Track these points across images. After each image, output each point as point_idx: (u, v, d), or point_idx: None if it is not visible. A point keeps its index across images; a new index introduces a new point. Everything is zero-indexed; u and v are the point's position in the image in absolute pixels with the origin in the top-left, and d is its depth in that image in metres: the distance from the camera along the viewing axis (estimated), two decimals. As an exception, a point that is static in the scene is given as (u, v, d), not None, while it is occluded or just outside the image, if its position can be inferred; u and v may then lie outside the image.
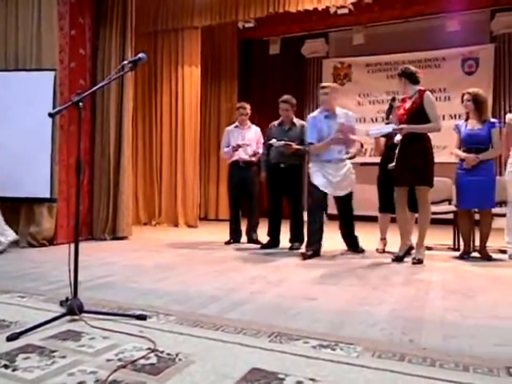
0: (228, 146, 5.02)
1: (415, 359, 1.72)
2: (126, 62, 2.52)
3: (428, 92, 3.82)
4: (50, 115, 2.08)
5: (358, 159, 7.76)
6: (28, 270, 3.40)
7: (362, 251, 4.39)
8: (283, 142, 4.48)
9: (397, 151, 3.93)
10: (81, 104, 2.19)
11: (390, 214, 4.42)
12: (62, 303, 2.32)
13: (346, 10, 6.86)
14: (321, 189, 4.14)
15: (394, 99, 4.38)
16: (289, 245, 4.65)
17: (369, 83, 8.11)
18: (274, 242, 4.72)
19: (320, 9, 6.05)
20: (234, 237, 5.02)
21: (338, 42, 8.43)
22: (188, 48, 6.90)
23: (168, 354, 1.73)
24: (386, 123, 4.31)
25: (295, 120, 4.73)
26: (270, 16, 6.36)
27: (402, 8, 7.10)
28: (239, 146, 4.92)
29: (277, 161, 4.61)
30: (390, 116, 4.33)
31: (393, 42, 7.66)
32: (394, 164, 3.98)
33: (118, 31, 5.48)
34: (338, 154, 4.20)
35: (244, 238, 5.05)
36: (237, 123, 5.12)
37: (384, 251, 4.42)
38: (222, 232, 5.49)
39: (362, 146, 4.56)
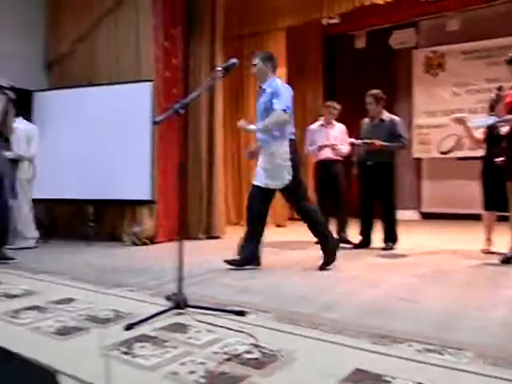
0: (311, 145, 4.99)
1: (535, 368, 1.58)
2: (219, 68, 2.63)
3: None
4: (155, 123, 2.24)
5: (456, 153, 7.36)
6: (134, 267, 3.69)
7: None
8: (362, 141, 4.43)
9: (504, 144, 3.61)
10: (182, 111, 2.33)
11: (495, 211, 4.08)
12: (167, 297, 2.47)
13: (438, -4, 6.48)
14: None
15: (500, 88, 4.01)
16: (381, 245, 4.50)
17: (465, 72, 7.56)
18: (366, 241, 4.60)
19: (409, -3, 5.80)
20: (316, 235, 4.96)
21: (429, 31, 7.97)
22: (273, 49, 6.92)
23: (270, 350, 1.77)
24: (490, 115, 3.95)
25: (386, 115, 4.57)
26: (355, 10, 6.21)
27: (502, -13, 6.54)
28: (325, 146, 4.87)
29: (365, 159, 4.51)
30: (496, 107, 3.96)
31: (494, 25, 7.04)
32: (501, 159, 3.66)
33: (208, 39, 5.71)
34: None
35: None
36: (322, 121, 5.07)
37: (490, 252, 4.09)
38: (308, 231, 5.47)
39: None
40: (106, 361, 1.59)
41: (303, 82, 8.05)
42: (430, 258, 4.00)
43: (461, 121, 4.12)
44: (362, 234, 4.63)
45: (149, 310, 2.30)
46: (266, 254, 4.32)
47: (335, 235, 4.91)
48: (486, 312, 2.31)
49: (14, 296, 2.71)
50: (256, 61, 3.57)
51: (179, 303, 2.24)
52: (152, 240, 5.06)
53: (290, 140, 3.49)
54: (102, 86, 5.36)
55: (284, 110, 3.36)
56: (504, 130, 3.67)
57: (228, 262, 3.48)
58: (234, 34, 7.04)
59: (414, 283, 3.03)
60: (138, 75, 5.19)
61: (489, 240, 4.17)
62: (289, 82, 7.28)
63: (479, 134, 4.13)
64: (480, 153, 4.26)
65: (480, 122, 3.89)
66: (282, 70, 6.92)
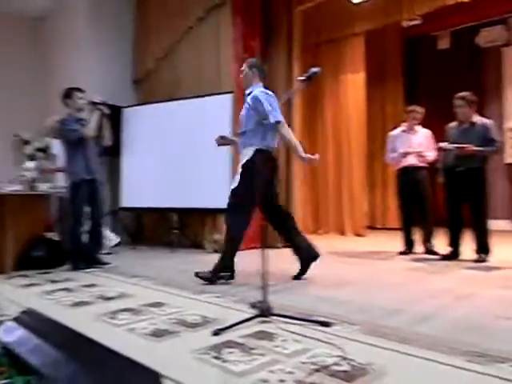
0: (393, 152, 4.82)
1: None
2: (301, 77, 2.64)
3: None
4: (240, 134, 2.29)
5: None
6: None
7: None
8: (454, 146, 4.15)
9: None
10: (265, 121, 2.37)
11: None
12: (252, 305, 2.51)
13: (531, -11, 5.98)
14: None
15: None
16: (471, 256, 4.21)
17: None
18: (455, 253, 4.33)
19: (499, -8, 5.41)
20: (408, 247, 4.76)
21: (521, 26, 7.38)
22: (351, 56, 6.89)
23: (359, 363, 1.73)
24: None
25: (476, 118, 4.29)
26: (438, 9, 5.93)
27: None
28: (408, 154, 4.68)
29: (453, 164, 4.26)
30: None
31: None
32: None
33: (285, 48, 5.76)
34: None
35: (419, 248, 4.75)
36: (404, 127, 4.88)
37: None
38: (392, 241, 5.28)
39: None
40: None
41: (382, 87, 7.84)
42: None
43: None
44: (451, 244, 4.36)
45: (234, 316, 2.36)
46: (347, 264, 4.24)
47: (421, 245, 4.70)
48: None
49: (110, 298, 2.91)
50: (243, 67, 3.51)
51: (264, 311, 2.27)
52: (232, 248, 5.16)
53: (264, 151, 3.21)
54: (185, 100, 5.63)
55: (278, 122, 3.21)
56: None
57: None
58: (310, 42, 7.05)
59: (509, 298, 2.79)
60: (219, 88, 5.37)
61: None
62: (367, 88, 7.20)
63: None
64: None
65: None
66: (360, 76, 6.83)
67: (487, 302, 2.70)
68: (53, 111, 6.52)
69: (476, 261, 4.13)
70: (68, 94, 4.20)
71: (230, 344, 1.96)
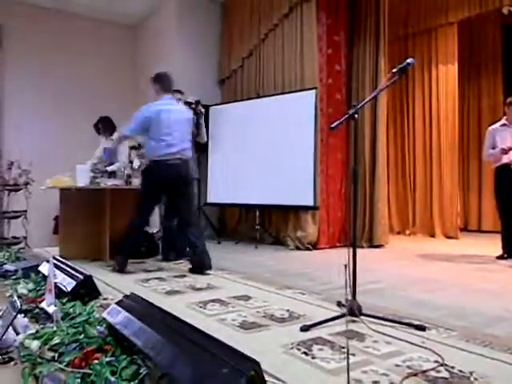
0: (493, 148, 4.44)
1: None
2: (394, 69, 2.53)
3: None
4: (332, 128, 2.26)
5: None
6: (301, 270, 3.78)
7: None
8: None
9: None
10: (356, 116, 2.31)
11: None
12: (339, 303, 2.47)
13: None
14: None
15: None
16: None
17: None
18: None
19: None
20: (508, 251, 4.37)
21: None
22: (442, 46, 6.49)
23: (460, 371, 1.62)
24: None
25: None
26: (546, -9, 5.38)
27: None
28: (509, 150, 4.29)
29: None
30: None
31: None
32: None
33: (371, 42, 5.58)
34: None
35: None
36: (504, 121, 4.48)
37: None
38: (488, 245, 4.90)
39: None
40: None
41: (478, 79, 7.30)
42: None
43: None
44: None
45: (321, 313, 2.33)
46: (440, 268, 4.01)
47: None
48: None
49: (199, 289, 3.03)
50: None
51: (353, 310, 2.21)
52: (314, 245, 5.14)
53: (155, 161, 3.66)
54: (269, 97, 5.68)
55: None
56: None
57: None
58: (398, 35, 6.77)
59: None
60: (302, 84, 5.35)
61: None
62: (460, 80, 6.74)
63: None
64: None
65: None
66: (452, 67, 6.42)
67: None
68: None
69: None
70: None
71: (319, 341, 1.93)
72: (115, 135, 4.51)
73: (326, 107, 5.35)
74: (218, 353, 1.23)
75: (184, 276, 3.50)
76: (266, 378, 1.53)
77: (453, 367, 1.65)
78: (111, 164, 4.63)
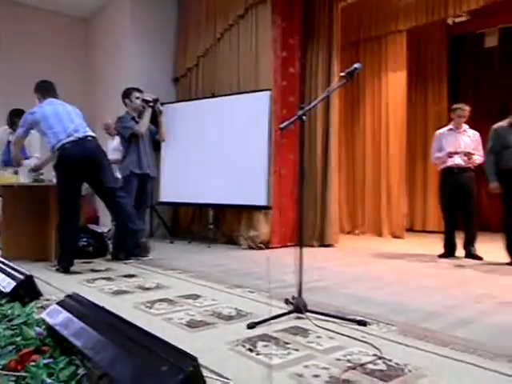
0: (440, 151, 4.67)
1: None
2: (342, 73, 2.61)
3: None
4: (281, 129, 2.30)
5: None
6: (251, 270, 3.81)
7: None
8: None
9: None
10: (304, 117, 2.36)
11: None
12: (286, 301, 2.51)
13: None
14: None
15: None
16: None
17: None
18: None
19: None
20: (449, 250, 4.62)
21: None
22: (392, 53, 6.75)
23: (396, 364, 1.69)
24: None
25: None
26: (486, 6, 5.71)
27: None
28: (455, 153, 4.53)
29: None
30: None
31: None
32: None
33: (324, 46, 5.71)
34: None
35: (459, 252, 4.60)
36: (451, 126, 4.72)
37: None
38: (432, 244, 5.14)
39: None
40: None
41: (425, 86, 7.64)
42: None
43: None
44: (509, 250, 4.22)
45: (268, 310, 2.37)
46: (385, 266, 4.16)
47: (462, 249, 4.55)
48: None
49: (148, 289, 2.99)
50: None
51: (299, 307, 2.26)
52: (267, 245, 5.19)
53: (63, 147, 3.61)
54: (224, 97, 5.68)
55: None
56: None
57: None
58: (351, 40, 6.97)
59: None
60: (257, 85, 5.39)
61: None
62: (409, 87, 7.03)
63: None
64: None
65: None
66: (401, 74, 6.68)
67: (533, 309, 2.58)
68: (99, 107, 6.78)
69: None
70: (126, 93, 4.44)
71: (264, 338, 1.96)
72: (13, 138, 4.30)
73: (279, 109, 5.42)
74: (158, 351, 1.23)
75: (133, 276, 3.44)
76: (210, 375, 1.55)
77: (390, 360, 1.73)
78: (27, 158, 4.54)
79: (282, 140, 5.41)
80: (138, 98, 4.39)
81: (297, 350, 1.83)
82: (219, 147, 5.55)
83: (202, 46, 6.23)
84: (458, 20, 6.84)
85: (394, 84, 6.73)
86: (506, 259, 4.19)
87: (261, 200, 5.17)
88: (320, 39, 5.74)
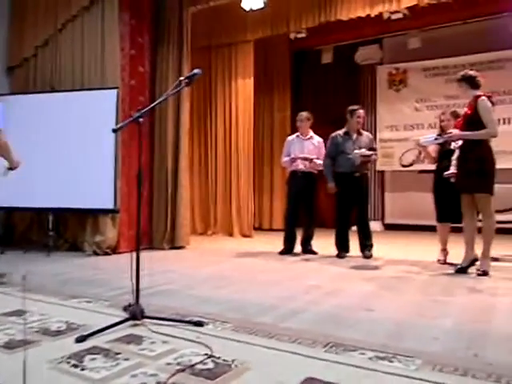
0: (289, 155, 5.03)
1: (479, 374, 1.64)
2: (182, 77, 2.63)
3: (483, 97, 3.61)
4: (114, 131, 2.22)
5: (417, 166, 7.60)
6: (93, 277, 3.60)
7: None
8: (371, 152, 4.63)
9: (453, 158, 3.81)
10: (141, 120, 2.32)
11: (449, 223, 4.25)
12: (125, 308, 2.43)
13: (400, 15, 6.71)
14: None
15: (455, 114, 4.20)
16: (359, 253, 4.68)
17: (426, 88, 7.84)
18: (345, 251, 4.73)
19: (373, 15, 5.95)
20: (289, 246, 5.00)
21: (392, 48, 8.24)
22: (241, 61, 7.06)
23: (224, 360, 1.77)
24: (438, 134, 4.12)
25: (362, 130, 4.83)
26: (322, 25, 6.35)
27: (460, 10, 6.81)
28: (298, 158, 4.92)
29: (350, 170, 4.62)
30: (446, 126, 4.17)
31: (451, 44, 7.37)
32: (449, 172, 3.85)
33: (175, 48, 5.71)
34: None
35: (298, 248, 5.03)
36: (299, 133, 5.13)
37: (445, 262, 4.23)
38: (277, 242, 5.51)
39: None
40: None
41: (271, 94, 8.15)
42: (391, 268, 4.09)
43: (421, 146, 4.30)
44: (338, 244, 4.75)
45: (105, 321, 2.25)
46: (230, 264, 4.32)
47: (299, 245, 4.98)
48: (438, 320, 2.38)
49: (-38, 308, 2.60)
50: None
51: (136, 314, 2.21)
52: (114, 250, 4.97)
53: None
54: (66, 93, 5.26)
55: None
56: (454, 144, 3.84)
57: None
58: (203, 45, 7.09)
59: (373, 292, 3.09)
60: (104, 82, 5.13)
61: (444, 251, 4.31)
62: (257, 94, 7.44)
63: (433, 152, 4.32)
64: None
65: (428, 139, 4.05)
66: (249, 82, 7.02)
67: (351, 297, 2.95)
68: None
69: (365, 257, 4.57)
70: None
71: (94, 350, 1.87)
72: None
73: (128, 108, 5.23)
74: None
75: None
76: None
77: (219, 357, 1.80)
78: None
79: (132, 141, 5.23)
80: None
81: (127, 359, 1.78)
82: (61, 146, 5.10)
83: (40, 35, 5.67)
84: (299, 36, 7.47)
85: (243, 90, 7.05)
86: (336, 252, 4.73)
87: (108, 203, 4.91)
88: (170, 41, 5.72)
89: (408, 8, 6.12)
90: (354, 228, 4.76)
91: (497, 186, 3.71)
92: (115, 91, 5.00)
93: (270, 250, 5.32)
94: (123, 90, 5.17)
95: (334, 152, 4.75)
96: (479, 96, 3.62)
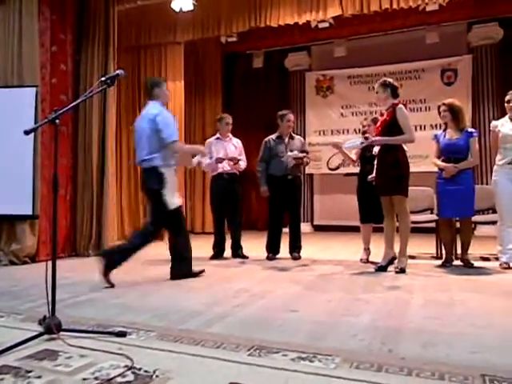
0: (210, 158, 4.99)
1: (392, 369, 1.73)
2: (103, 78, 2.53)
3: (401, 105, 3.87)
4: (26, 133, 2.08)
5: (343, 170, 7.94)
6: (7, 289, 3.36)
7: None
8: (303, 154, 4.70)
9: (375, 162, 4.02)
10: (57, 121, 2.20)
11: (371, 224, 4.47)
12: (40, 322, 2.28)
13: (326, 24, 6.98)
14: None
15: (375, 120, 4.43)
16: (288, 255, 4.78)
17: (351, 95, 8.23)
18: (275, 253, 4.81)
19: (301, 23, 6.12)
20: (219, 251, 4.99)
21: (320, 55, 8.55)
22: (171, 63, 6.94)
23: (145, 371, 1.72)
24: (365, 138, 4.34)
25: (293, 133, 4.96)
26: (253, 30, 6.43)
27: (382, 21, 7.23)
28: (223, 159, 4.90)
29: (283, 173, 4.69)
30: (368, 131, 4.40)
31: (374, 54, 7.80)
32: (372, 176, 4.06)
33: (100, 46, 5.50)
34: None
35: (228, 253, 5.02)
36: (218, 135, 5.12)
37: (368, 261, 4.45)
38: (208, 246, 5.47)
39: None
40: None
41: (203, 96, 8.12)
42: (317, 268, 4.22)
43: (337, 146, 4.52)
44: (269, 247, 4.83)
45: (18, 337, 2.09)
46: (158, 271, 4.22)
47: (229, 249, 4.99)
48: (357, 318, 2.49)
49: None
50: None
51: (51, 327, 2.08)
52: (34, 258, 4.67)
53: None
54: (-22, 89, 4.87)
55: None
56: (376, 149, 4.07)
57: None
58: (131, 44, 6.88)
59: (299, 293, 3.17)
60: (21, 80, 4.81)
61: (367, 250, 4.54)
62: (187, 96, 7.36)
63: (354, 155, 4.54)
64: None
65: (351, 143, 4.25)
66: (180, 84, 6.92)
67: (277, 299, 3.00)
68: None
69: (294, 258, 4.68)
70: None
71: (2, 370, 1.73)
72: None
73: (49, 108, 4.93)
74: None
75: None
76: None
77: (140, 369, 1.74)
78: None
79: (53, 143, 4.92)
80: None
81: (39, 377, 1.67)
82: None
83: None
84: (230, 40, 7.52)
85: (173, 92, 6.90)
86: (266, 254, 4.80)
87: (26, 209, 4.62)
88: (95, 39, 5.50)
89: (334, 18, 6.36)
90: (286, 230, 4.86)
91: (412, 189, 3.97)
92: (34, 89, 4.72)
93: (201, 255, 5.25)
94: (43, 88, 4.89)
95: (267, 156, 4.82)
96: (397, 104, 3.86)
